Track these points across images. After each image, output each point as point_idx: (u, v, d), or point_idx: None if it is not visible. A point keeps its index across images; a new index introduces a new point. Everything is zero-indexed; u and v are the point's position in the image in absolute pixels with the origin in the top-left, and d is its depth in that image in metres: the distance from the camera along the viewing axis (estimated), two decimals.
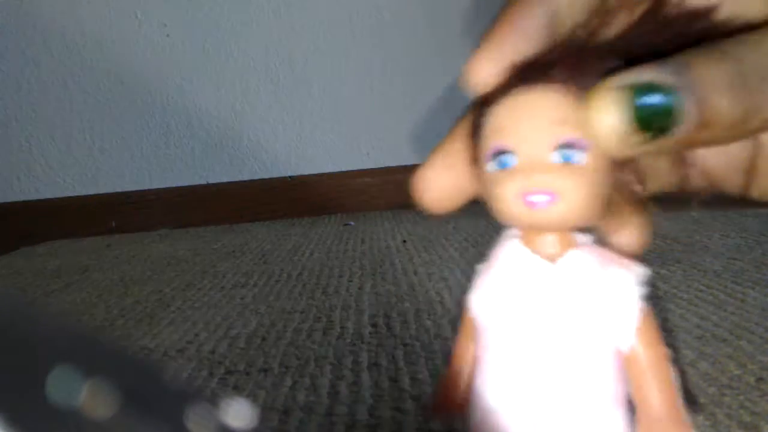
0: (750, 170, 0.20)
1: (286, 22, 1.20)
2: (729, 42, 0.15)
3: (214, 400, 0.10)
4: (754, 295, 0.47)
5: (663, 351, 0.16)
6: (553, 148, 0.14)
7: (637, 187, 0.18)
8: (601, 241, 0.17)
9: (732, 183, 0.21)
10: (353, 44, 1.20)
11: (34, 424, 0.08)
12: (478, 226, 0.89)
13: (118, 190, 1.23)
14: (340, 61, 1.20)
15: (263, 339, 0.47)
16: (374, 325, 0.48)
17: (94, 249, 1.02)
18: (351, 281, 0.63)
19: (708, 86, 0.14)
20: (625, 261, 0.16)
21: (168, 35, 1.19)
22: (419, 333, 0.45)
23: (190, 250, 0.92)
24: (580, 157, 0.14)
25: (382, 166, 1.24)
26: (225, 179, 1.23)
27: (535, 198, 0.14)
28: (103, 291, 0.69)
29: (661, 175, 0.21)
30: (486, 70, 0.16)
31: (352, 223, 1.06)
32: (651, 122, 0.14)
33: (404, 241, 0.83)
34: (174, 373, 0.10)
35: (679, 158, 0.20)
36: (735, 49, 0.15)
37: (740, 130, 0.15)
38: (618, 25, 0.18)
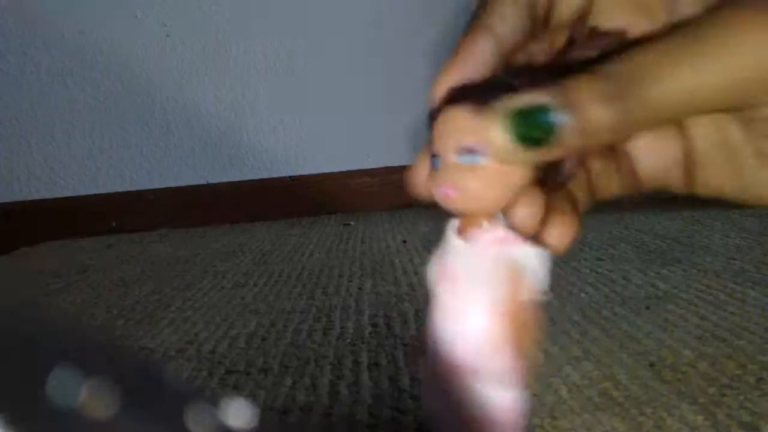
0: (688, 165, 0.21)
1: (286, 22, 1.20)
2: (609, 59, 0.18)
3: (214, 400, 0.10)
4: (754, 295, 0.47)
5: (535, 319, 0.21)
6: (458, 152, 0.18)
7: (571, 188, 0.22)
8: (514, 228, 0.21)
9: (675, 181, 0.22)
10: (353, 44, 1.20)
11: (34, 424, 0.08)
12: None
13: (118, 190, 1.23)
14: (340, 61, 1.20)
15: (263, 339, 0.47)
16: (374, 325, 0.48)
17: (94, 249, 1.02)
18: (351, 281, 0.63)
19: (583, 101, 0.17)
20: (528, 241, 0.21)
21: (168, 35, 1.19)
22: (419, 333, 0.45)
23: (190, 250, 0.92)
24: (482, 160, 0.18)
25: (382, 166, 1.24)
26: (225, 179, 1.23)
27: (447, 190, 0.19)
28: (103, 291, 0.69)
29: (610, 183, 0.24)
30: (443, 91, 0.21)
31: (352, 223, 1.06)
32: (533, 136, 0.17)
33: (404, 241, 0.83)
34: (174, 373, 0.10)
35: (623, 166, 0.23)
36: (610, 65, 0.18)
37: (621, 133, 0.18)
38: (558, 41, 0.22)
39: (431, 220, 1.00)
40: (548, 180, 0.20)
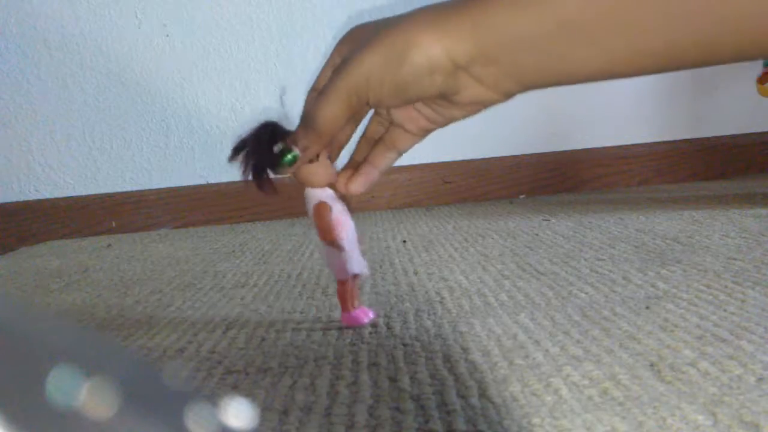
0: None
1: (286, 21, 1.20)
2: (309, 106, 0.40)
3: (213, 400, 0.10)
4: (754, 295, 0.47)
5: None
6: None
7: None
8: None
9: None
10: None
11: (34, 424, 0.08)
12: (478, 226, 0.89)
13: (118, 190, 1.23)
14: None
15: (263, 339, 0.47)
16: (374, 325, 0.48)
17: (94, 249, 1.02)
18: None
19: (300, 139, 0.40)
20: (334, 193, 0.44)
21: (168, 35, 1.19)
22: (419, 333, 0.45)
23: (190, 250, 0.92)
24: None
25: None
26: (225, 179, 1.23)
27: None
28: (103, 291, 0.69)
29: (402, 138, 0.43)
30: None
31: None
32: (289, 163, 0.41)
33: (404, 241, 0.83)
34: (174, 373, 0.10)
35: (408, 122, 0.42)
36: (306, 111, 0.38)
37: (328, 136, 0.40)
38: None
39: (431, 220, 1.00)
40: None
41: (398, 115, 0.41)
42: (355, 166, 0.45)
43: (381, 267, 0.68)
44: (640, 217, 0.86)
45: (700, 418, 0.30)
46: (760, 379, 0.33)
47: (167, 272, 0.76)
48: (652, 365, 0.36)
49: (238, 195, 1.22)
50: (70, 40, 1.18)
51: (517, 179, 1.26)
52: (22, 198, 1.22)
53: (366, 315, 0.47)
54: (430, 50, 0.32)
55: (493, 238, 0.79)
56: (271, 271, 0.71)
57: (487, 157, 1.26)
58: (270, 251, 0.84)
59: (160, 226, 1.21)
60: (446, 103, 0.36)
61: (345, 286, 0.47)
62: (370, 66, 0.34)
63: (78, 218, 1.21)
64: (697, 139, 1.31)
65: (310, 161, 0.42)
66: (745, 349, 0.37)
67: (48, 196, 1.22)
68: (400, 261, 0.71)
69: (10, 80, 1.19)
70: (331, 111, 0.37)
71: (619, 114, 1.29)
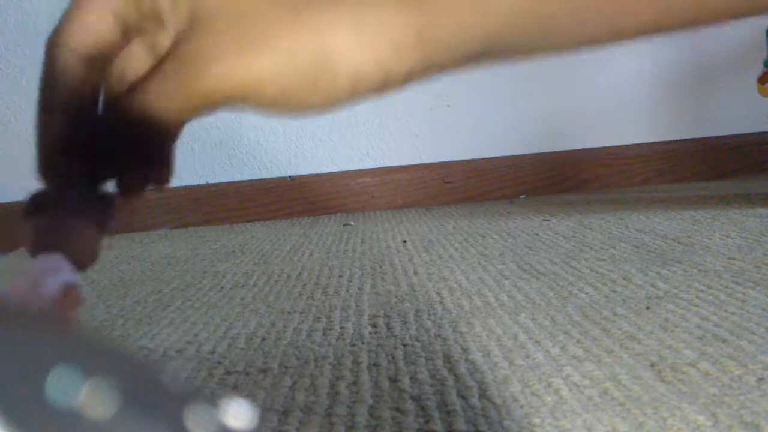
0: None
1: None
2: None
3: (213, 401, 0.10)
4: (755, 295, 0.47)
5: None
6: None
7: None
8: None
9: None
10: None
11: (34, 424, 0.08)
12: (478, 226, 0.89)
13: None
14: None
15: (263, 339, 0.47)
16: (374, 326, 0.48)
17: None
18: (351, 281, 0.63)
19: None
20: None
21: None
22: (419, 333, 0.45)
23: (190, 250, 0.92)
24: None
25: (382, 166, 1.24)
26: (225, 179, 1.23)
27: None
28: (103, 291, 0.69)
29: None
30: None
31: (352, 223, 1.06)
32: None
33: (404, 241, 0.83)
34: (174, 373, 0.10)
35: None
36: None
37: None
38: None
39: (431, 220, 1.00)
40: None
41: None
42: None
43: (381, 267, 0.68)
44: (641, 217, 0.86)
45: (701, 418, 0.30)
46: (760, 380, 0.33)
47: (167, 272, 0.76)
48: (652, 365, 0.36)
49: (238, 195, 1.22)
50: None
51: (517, 179, 1.26)
52: (22, 198, 1.22)
53: None
54: (360, 68, 0.23)
55: (493, 238, 0.79)
56: (270, 271, 0.71)
57: (487, 157, 1.26)
58: (270, 251, 0.84)
59: (160, 226, 1.21)
60: None
61: None
62: (261, 73, 0.22)
63: None
64: (698, 139, 1.31)
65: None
66: (745, 349, 0.37)
67: None
68: (400, 261, 0.71)
69: (10, 80, 1.19)
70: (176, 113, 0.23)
71: (619, 114, 1.29)
